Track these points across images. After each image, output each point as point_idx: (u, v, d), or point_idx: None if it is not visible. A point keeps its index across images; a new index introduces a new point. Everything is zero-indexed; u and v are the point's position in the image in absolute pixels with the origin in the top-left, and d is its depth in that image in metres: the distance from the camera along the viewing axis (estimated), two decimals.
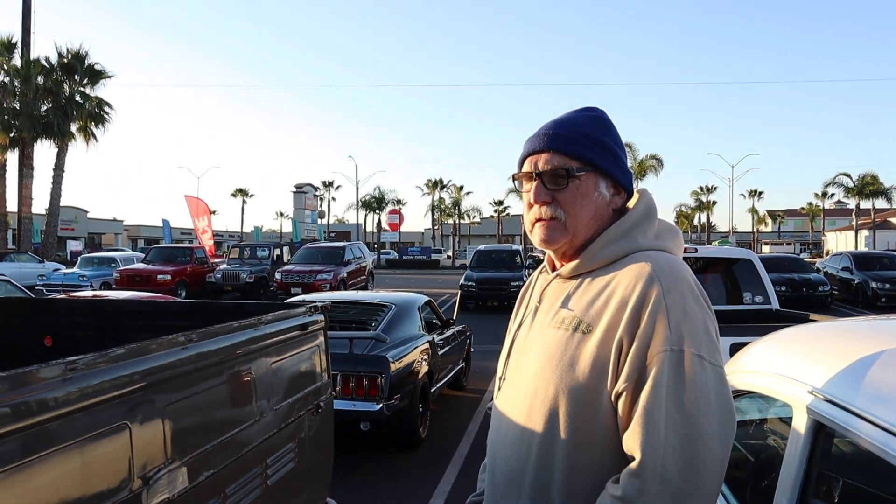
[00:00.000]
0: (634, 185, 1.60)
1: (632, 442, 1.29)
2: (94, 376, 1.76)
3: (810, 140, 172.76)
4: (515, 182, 1.59)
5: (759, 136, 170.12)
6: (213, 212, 34.34)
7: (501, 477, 1.51)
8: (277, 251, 24.60)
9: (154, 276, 20.72)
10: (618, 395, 1.34)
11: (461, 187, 66.50)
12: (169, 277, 20.95)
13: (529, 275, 16.65)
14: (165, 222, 40.97)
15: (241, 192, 76.36)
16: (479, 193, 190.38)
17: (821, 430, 1.61)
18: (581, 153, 1.49)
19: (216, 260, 26.08)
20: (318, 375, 3.34)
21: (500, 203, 66.22)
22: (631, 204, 1.57)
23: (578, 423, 1.37)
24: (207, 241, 30.60)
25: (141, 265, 22.44)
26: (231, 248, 26.65)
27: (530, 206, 1.53)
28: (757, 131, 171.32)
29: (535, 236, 1.53)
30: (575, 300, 1.47)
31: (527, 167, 1.54)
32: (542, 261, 1.71)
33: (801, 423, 1.67)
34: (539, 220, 1.51)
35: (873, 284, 18.97)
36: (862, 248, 51.87)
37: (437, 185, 65.98)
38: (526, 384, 1.48)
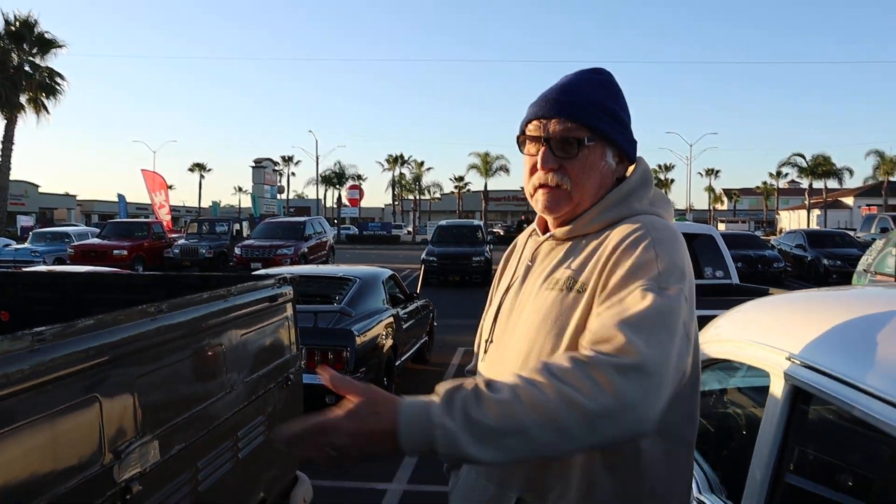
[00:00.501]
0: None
1: (608, 330, 1.22)
2: (62, 347, 1.70)
3: (767, 121, 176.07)
4: (519, 143, 1.55)
5: (718, 116, 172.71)
6: (170, 186, 33.54)
7: None
8: (237, 226, 24.23)
9: (110, 252, 20.27)
10: (594, 311, 1.31)
11: (422, 163, 66.36)
12: (125, 253, 20.52)
13: (491, 250, 16.73)
14: (121, 197, 39.99)
15: (199, 167, 75.02)
16: (440, 169, 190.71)
17: (799, 395, 1.63)
18: (592, 122, 1.45)
19: (174, 235, 25.62)
20: (287, 348, 3.30)
21: (461, 179, 66.17)
22: (629, 171, 1.56)
23: None
24: (165, 216, 29.96)
25: (96, 240, 21.94)
26: (189, 223, 26.13)
27: (533, 170, 1.49)
28: (715, 111, 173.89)
29: (538, 202, 1.50)
30: (568, 261, 1.46)
31: (534, 130, 1.49)
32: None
33: (778, 389, 1.69)
34: (543, 186, 1.48)
35: (825, 261, 19.47)
36: (814, 226, 53.15)
37: (397, 160, 65.62)
38: (518, 344, 1.46)
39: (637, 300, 1.26)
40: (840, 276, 18.36)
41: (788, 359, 1.68)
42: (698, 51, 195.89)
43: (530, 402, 1.14)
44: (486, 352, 1.60)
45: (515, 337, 1.48)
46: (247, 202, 73.88)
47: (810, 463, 1.82)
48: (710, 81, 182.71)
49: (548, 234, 1.55)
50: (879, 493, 1.58)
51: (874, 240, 17.54)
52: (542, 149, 1.46)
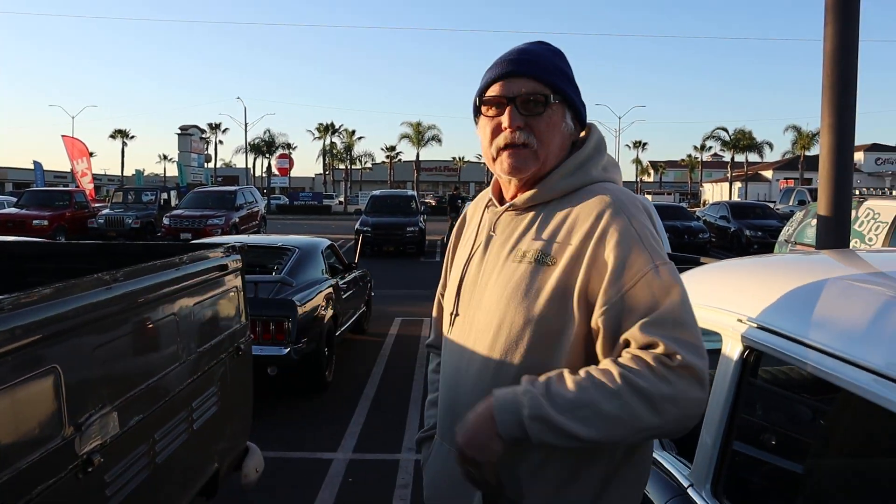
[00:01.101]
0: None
1: (649, 338, 1.29)
2: (20, 317, 1.65)
3: (693, 95, 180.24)
4: (476, 107, 1.55)
5: (646, 89, 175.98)
6: (91, 154, 32.13)
7: (464, 408, 1.49)
8: (164, 195, 23.45)
9: (29, 222, 19.39)
10: (604, 317, 1.36)
11: (353, 132, 65.50)
12: (46, 223, 19.67)
13: (425, 221, 16.65)
14: (37, 164, 38.22)
15: (121, 134, 72.09)
16: (372, 139, 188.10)
17: (751, 355, 1.73)
18: (554, 81, 1.48)
19: (97, 205, 24.64)
20: (237, 317, 3.26)
21: (393, 149, 65.83)
22: (582, 136, 1.59)
23: (546, 351, 1.41)
24: (87, 185, 28.74)
25: (13, 210, 20.91)
26: (114, 193, 25.13)
27: (495, 132, 1.50)
28: (644, 85, 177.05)
29: (504, 163, 1.49)
30: (535, 233, 1.48)
31: (497, 91, 1.49)
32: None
33: (731, 350, 1.79)
34: (510, 146, 1.48)
35: (747, 232, 20.27)
36: (735, 198, 55.08)
37: (328, 129, 64.60)
38: (487, 317, 1.48)
39: (652, 303, 1.32)
40: (761, 246, 19.14)
41: (740, 320, 1.78)
42: (627, 23, 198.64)
43: (600, 384, 1.28)
44: (452, 325, 1.61)
45: (483, 310, 1.50)
46: (172, 171, 71.62)
47: (760, 416, 1.93)
48: (639, 54, 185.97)
49: (507, 205, 1.55)
50: (825, 444, 1.69)
51: (792, 212, 18.34)
52: (509, 108, 1.47)
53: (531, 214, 1.51)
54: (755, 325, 1.71)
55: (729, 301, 1.91)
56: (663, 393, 1.25)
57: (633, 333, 1.32)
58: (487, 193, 1.72)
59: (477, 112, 1.56)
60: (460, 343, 1.56)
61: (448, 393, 1.60)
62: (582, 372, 1.31)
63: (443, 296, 1.82)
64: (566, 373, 1.32)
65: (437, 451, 1.65)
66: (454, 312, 1.61)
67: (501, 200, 1.61)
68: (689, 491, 1.83)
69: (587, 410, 1.27)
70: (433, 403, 1.78)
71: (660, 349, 1.28)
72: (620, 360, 1.31)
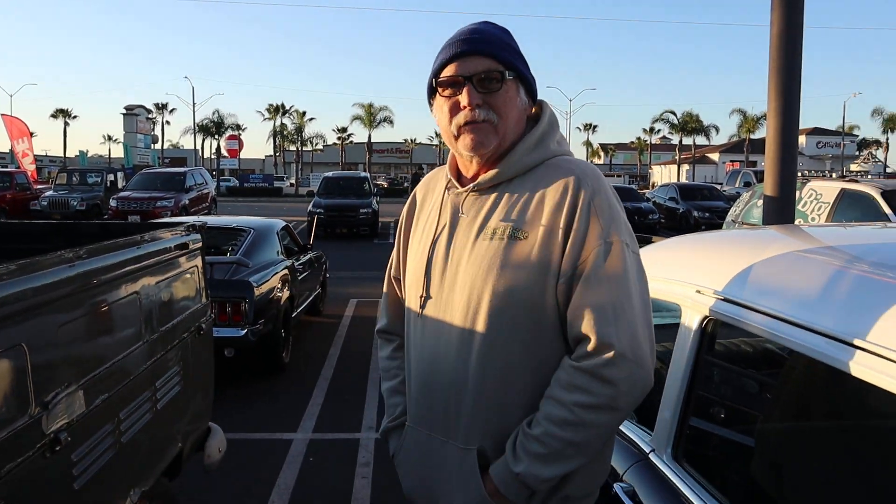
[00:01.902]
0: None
1: (585, 327, 1.40)
2: None
3: (642, 78, 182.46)
4: (432, 88, 1.57)
5: (597, 71, 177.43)
6: (32, 134, 31.03)
7: (445, 390, 1.53)
8: (111, 177, 22.83)
9: None
10: (561, 287, 1.43)
11: (304, 113, 64.64)
12: None
13: (378, 203, 16.58)
14: None
15: (63, 113, 69.82)
16: (323, 120, 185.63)
17: (709, 324, 1.80)
18: (508, 58, 1.52)
19: (40, 186, 23.88)
20: (198, 297, 3.24)
21: (344, 130, 65.12)
22: (533, 111, 1.64)
23: (527, 325, 1.45)
24: (29, 166, 27.78)
25: None
26: (57, 174, 24.35)
27: (454, 110, 1.52)
28: (595, 67, 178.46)
29: (465, 141, 1.52)
30: (504, 210, 1.51)
31: (452, 71, 1.51)
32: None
33: (690, 319, 1.86)
34: (470, 123, 1.51)
35: (695, 213, 20.78)
36: (683, 180, 56.17)
37: (278, 110, 63.63)
38: (464, 297, 1.50)
39: (594, 281, 1.41)
40: (709, 227, 19.60)
41: (698, 291, 1.85)
42: (576, 6, 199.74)
43: (561, 422, 1.40)
44: (423, 307, 1.60)
45: (458, 290, 1.51)
46: (118, 152, 69.77)
47: (717, 383, 2.01)
48: (590, 37, 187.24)
49: (472, 185, 1.56)
50: (779, 405, 1.78)
51: (739, 193, 18.81)
52: (466, 87, 1.49)
53: (496, 193, 1.55)
54: (713, 296, 1.78)
55: (687, 274, 1.98)
56: (612, 396, 1.38)
57: (573, 317, 1.43)
58: (438, 174, 1.74)
59: (432, 94, 1.58)
60: (436, 325, 1.56)
61: (423, 377, 1.60)
62: (542, 418, 1.42)
63: (397, 280, 1.82)
64: (530, 430, 1.43)
65: (412, 438, 1.65)
66: (424, 295, 1.59)
67: (461, 180, 1.63)
68: (651, 456, 1.90)
69: (569, 450, 1.41)
70: (397, 391, 1.77)
71: (591, 344, 1.39)
72: (564, 378, 1.42)
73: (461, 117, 1.51)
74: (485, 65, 1.50)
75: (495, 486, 1.45)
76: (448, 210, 1.61)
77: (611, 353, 1.37)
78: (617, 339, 1.37)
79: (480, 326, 1.47)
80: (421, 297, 1.60)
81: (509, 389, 1.47)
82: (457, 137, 1.54)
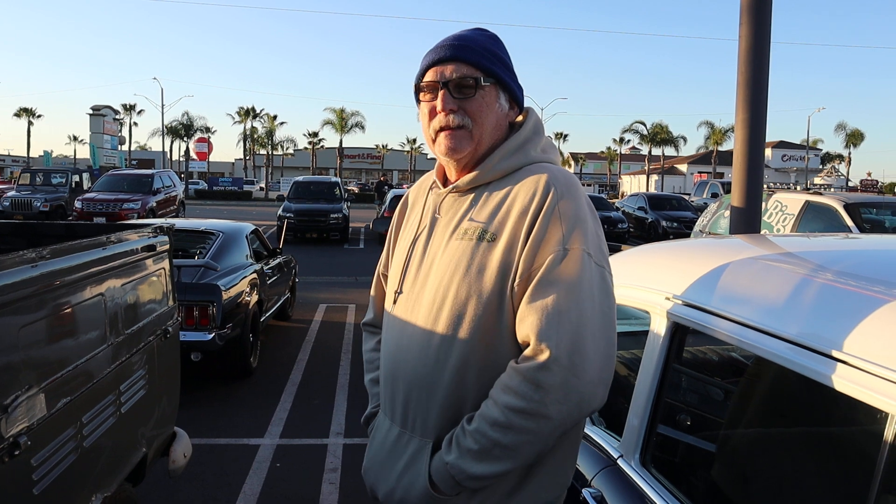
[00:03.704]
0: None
1: (528, 329, 1.39)
2: None
3: (613, 89, 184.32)
4: (416, 92, 1.60)
5: (568, 81, 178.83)
6: None
7: (407, 383, 1.55)
8: (76, 178, 22.40)
9: None
10: (516, 291, 1.44)
11: (275, 117, 64.15)
12: None
13: (349, 208, 16.50)
14: None
15: (27, 112, 68.39)
16: (294, 124, 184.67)
17: (678, 330, 1.82)
18: (486, 65, 1.54)
19: (2, 186, 23.38)
20: (165, 300, 3.19)
21: (315, 135, 64.82)
22: (519, 119, 1.65)
23: (487, 325, 1.45)
24: None
25: None
26: (20, 174, 23.83)
27: (432, 114, 1.55)
28: (566, 77, 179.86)
29: (441, 145, 1.55)
30: (477, 212, 1.53)
31: (431, 77, 1.55)
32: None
33: (659, 326, 1.88)
34: (445, 128, 1.54)
35: (664, 223, 21.02)
36: (652, 190, 56.79)
37: (249, 113, 63.08)
38: (431, 293, 1.52)
39: (543, 285, 1.40)
40: (677, 236, 19.87)
41: (668, 298, 1.87)
42: (549, 17, 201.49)
43: (492, 422, 1.39)
44: (395, 302, 1.64)
45: (428, 287, 1.54)
46: (83, 153, 68.59)
47: (685, 389, 2.03)
48: (562, 46, 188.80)
49: (451, 187, 1.60)
50: (745, 410, 1.80)
51: (706, 204, 19.05)
52: (442, 92, 1.53)
53: (473, 195, 1.57)
54: (682, 303, 1.80)
55: (657, 281, 2.00)
56: (543, 401, 1.36)
57: (519, 319, 1.42)
58: (430, 177, 1.77)
59: (417, 97, 1.62)
60: (403, 319, 1.59)
61: (389, 368, 1.63)
62: (478, 415, 1.42)
63: (385, 276, 1.85)
64: (468, 425, 1.43)
65: (379, 424, 1.69)
66: (398, 290, 1.63)
67: (445, 183, 1.66)
68: (619, 462, 1.91)
69: (496, 450, 1.39)
70: (376, 381, 1.80)
71: (531, 347, 1.38)
72: (503, 380, 1.41)
73: (437, 122, 1.55)
74: (461, 71, 1.52)
75: (430, 473, 1.47)
76: (430, 211, 1.65)
77: (545, 357, 1.35)
78: (555, 344, 1.35)
79: (442, 323, 1.48)
80: (395, 291, 1.64)
81: (466, 387, 1.48)
82: (434, 141, 1.58)
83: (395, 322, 1.62)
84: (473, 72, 1.52)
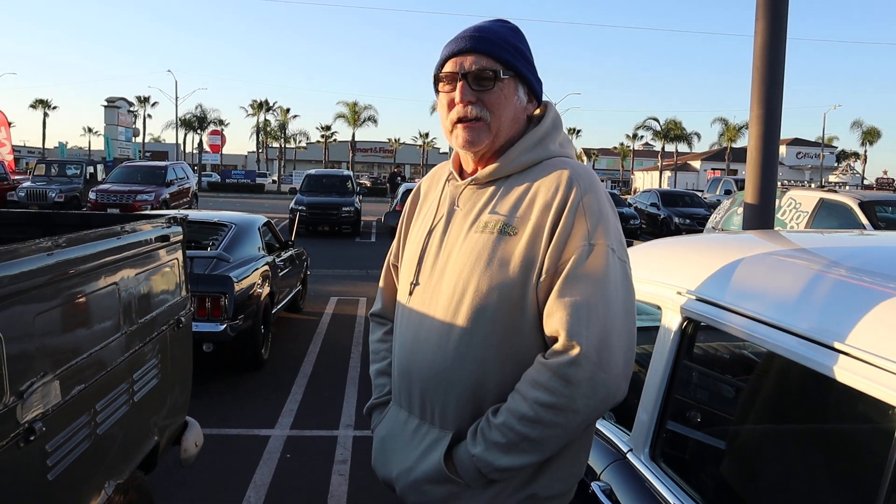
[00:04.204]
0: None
1: (557, 324, 1.40)
2: None
3: (626, 85, 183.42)
4: (435, 83, 1.60)
5: (581, 76, 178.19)
6: (10, 124, 30.59)
7: (423, 376, 1.54)
8: (90, 169, 22.50)
9: None
10: (542, 285, 1.44)
11: (288, 110, 64.23)
12: None
13: (361, 201, 16.50)
14: None
15: (43, 104, 68.82)
16: (307, 117, 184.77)
17: (690, 325, 1.82)
18: (505, 57, 1.53)
19: (18, 177, 23.54)
20: (178, 290, 3.21)
21: (328, 128, 64.88)
22: (537, 112, 1.66)
23: (508, 318, 1.46)
24: (7, 156, 27.36)
25: None
26: (35, 165, 23.96)
27: (451, 106, 1.55)
28: (580, 72, 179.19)
29: (458, 137, 1.55)
30: (496, 205, 1.53)
31: (450, 68, 1.55)
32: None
33: (670, 321, 1.88)
34: (462, 120, 1.53)
35: (676, 219, 20.93)
36: (665, 186, 56.49)
37: (262, 106, 63.24)
38: (450, 286, 1.52)
39: (571, 281, 1.41)
40: (689, 233, 19.68)
41: (680, 293, 1.87)
42: (564, 10, 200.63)
43: (520, 416, 1.40)
44: (410, 294, 1.63)
45: (445, 279, 1.54)
46: (97, 145, 68.99)
47: (696, 383, 2.03)
48: (575, 42, 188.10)
49: (470, 179, 1.60)
50: (761, 409, 1.80)
51: (719, 201, 18.96)
52: (461, 83, 1.52)
53: (492, 188, 1.57)
54: (694, 297, 1.80)
55: (669, 275, 2.00)
56: (571, 396, 1.38)
57: (547, 314, 1.43)
58: (444, 167, 1.77)
59: (436, 88, 1.61)
60: (420, 311, 1.58)
61: (404, 360, 1.62)
62: (505, 409, 1.43)
63: (395, 267, 1.85)
64: (494, 418, 1.44)
65: (391, 415, 1.68)
66: (414, 282, 1.63)
67: (462, 174, 1.66)
68: (629, 456, 1.91)
69: (524, 444, 1.41)
70: (384, 372, 1.80)
71: (560, 342, 1.39)
72: (531, 374, 1.42)
73: (455, 113, 1.55)
74: (481, 63, 1.52)
75: (454, 462, 1.48)
76: (446, 202, 1.65)
77: (576, 352, 1.37)
78: (585, 338, 1.37)
79: (462, 317, 1.48)
80: (411, 283, 1.63)
81: (486, 380, 1.49)
82: (451, 132, 1.58)
83: (411, 314, 1.61)
84: (493, 64, 1.52)
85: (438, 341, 1.52)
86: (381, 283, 1.92)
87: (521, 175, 1.55)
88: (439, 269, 1.57)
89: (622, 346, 1.41)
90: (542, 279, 1.44)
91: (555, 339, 1.42)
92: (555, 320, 1.41)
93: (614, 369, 1.39)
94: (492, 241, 1.48)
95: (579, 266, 1.41)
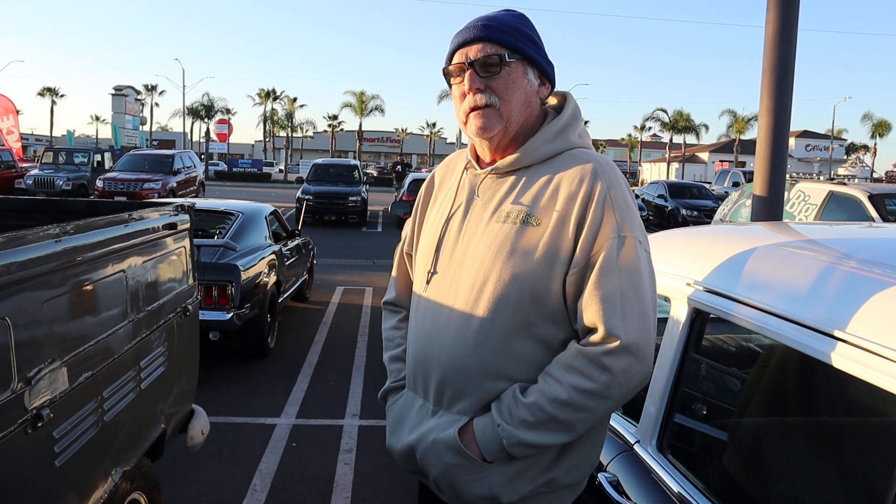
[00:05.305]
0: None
1: (594, 316, 1.41)
2: None
3: (635, 76, 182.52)
4: (446, 76, 1.60)
5: (589, 67, 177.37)
6: (18, 112, 30.64)
7: (442, 365, 1.54)
8: (98, 157, 22.54)
9: None
10: (571, 277, 1.45)
11: (295, 99, 64.13)
12: None
13: (368, 191, 16.50)
14: None
15: (50, 92, 68.84)
16: (314, 107, 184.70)
17: (698, 317, 1.81)
18: (510, 41, 1.53)
19: (25, 165, 23.60)
20: (185, 278, 3.22)
21: (335, 118, 64.72)
22: (553, 100, 1.66)
23: (530, 308, 1.46)
24: (14, 144, 27.44)
25: None
26: (43, 153, 24.02)
27: (463, 96, 1.55)
28: (588, 63, 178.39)
29: (472, 126, 1.55)
30: (518, 195, 1.53)
31: (458, 59, 1.55)
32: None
33: (679, 312, 1.87)
34: (474, 108, 1.54)
35: (684, 211, 20.82)
36: (673, 178, 56.26)
37: (269, 95, 63.13)
38: (471, 275, 1.51)
39: (606, 273, 1.42)
40: (697, 225, 19.65)
41: (689, 284, 1.86)
42: (574, 3, 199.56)
43: (553, 399, 1.42)
44: (428, 283, 1.62)
45: (465, 268, 1.54)
46: (105, 133, 69.10)
47: (704, 376, 2.02)
48: (584, 33, 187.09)
49: (490, 168, 1.60)
50: (771, 401, 1.79)
51: (727, 193, 18.86)
52: (468, 72, 1.53)
53: (513, 177, 1.57)
54: (702, 289, 1.79)
55: (678, 267, 1.98)
56: (606, 384, 1.40)
57: (584, 306, 1.43)
58: (458, 156, 1.77)
59: (448, 82, 1.62)
60: (438, 300, 1.58)
61: (420, 348, 1.62)
62: (536, 390, 1.45)
63: (409, 255, 1.84)
64: (523, 397, 1.45)
65: (406, 399, 1.68)
66: (432, 270, 1.62)
67: (480, 163, 1.65)
68: (636, 447, 1.91)
69: (552, 424, 1.43)
70: (398, 358, 1.79)
71: (599, 334, 1.41)
72: (566, 359, 1.44)
73: (466, 103, 1.56)
74: (486, 50, 1.52)
75: (473, 433, 1.48)
76: (465, 190, 1.64)
77: (615, 344, 1.39)
78: (624, 331, 1.39)
79: (483, 306, 1.48)
80: (428, 271, 1.63)
81: (504, 369, 1.49)
82: (465, 123, 1.58)
83: (429, 303, 1.61)
84: (498, 49, 1.52)
85: (458, 330, 1.52)
86: (393, 272, 1.91)
87: (542, 165, 1.55)
88: (458, 257, 1.57)
89: (652, 335, 1.44)
90: (571, 272, 1.45)
91: (589, 330, 1.44)
92: (592, 312, 1.42)
93: (647, 360, 1.43)
94: (514, 231, 1.48)
95: (612, 258, 1.43)
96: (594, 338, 1.42)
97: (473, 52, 1.52)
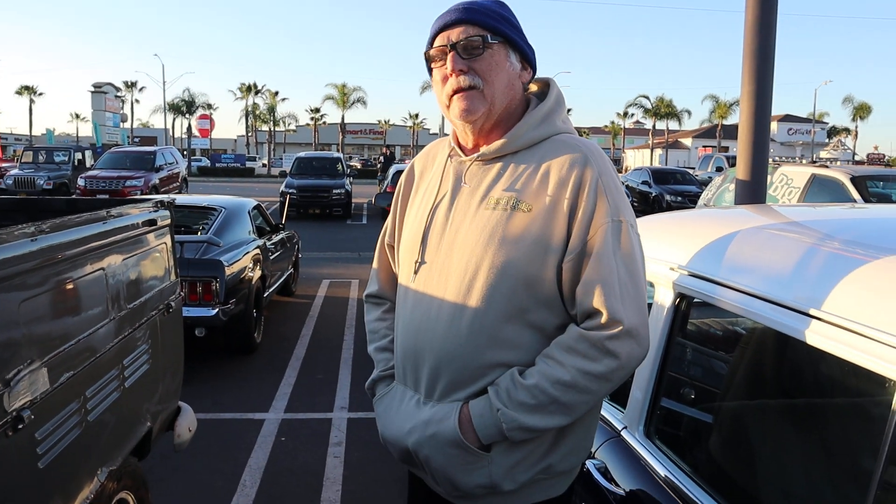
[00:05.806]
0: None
1: (595, 301, 1.42)
2: None
3: (616, 63, 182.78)
4: (427, 61, 1.58)
5: (571, 54, 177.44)
6: None
7: (435, 355, 1.52)
8: (79, 155, 22.33)
9: None
10: (568, 264, 1.45)
11: (276, 93, 63.78)
12: None
13: (351, 183, 16.41)
14: None
15: (28, 90, 68.00)
16: (296, 100, 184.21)
17: (683, 301, 1.80)
18: (492, 24, 1.52)
19: (5, 164, 23.34)
20: (167, 274, 3.18)
21: (317, 111, 64.45)
22: (534, 87, 1.65)
23: (524, 294, 1.45)
24: None
25: None
26: (23, 152, 23.75)
27: (444, 80, 1.54)
28: (570, 50, 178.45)
29: (455, 108, 1.53)
30: (506, 181, 1.52)
31: (440, 42, 1.53)
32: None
33: (664, 297, 1.86)
34: (458, 90, 1.52)
35: (668, 197, 20.91)
36: (656, 164, 56.44)
37: (251, 89, 62.70)
38: (461, 264, 1.50)
39: (604, 258, 1.43)
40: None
41: (673, 269, 1.85)
42: None
43: (555, 381, 1.42)
44: (416, 273, 1.60)
45: (455, 256, 1.52)
46: (85, 131, 68.35)
47: (689, 360, 2.02)
48: (565, 19, 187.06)
49: (476, 154, 1.57)
50: (747, 378, 1.79)
51: (711, 178, 18.94)
52: (451, 54, 1.51)
53: (500, 164, 1.55)
54: (686, 273, 1.78)
55: (662, 251, 1.98)
56: (611, 367, 1.41)
57: (583, 291, 1.43)
58: (438, 145, 1.75)
59: (429, 67, 1.60)
60: (428, 290, 1.56)
61: (411, 339, 1.59)
62: (537, 372, 1.44)
63: (391, 247, 1.82)
64: (523, 380, 1.44)
65: (396, 391, 1.66)
66: (419, 261, 1.60)
67: (463, 150, 1.63)
68: (623, 433, 1.91)
69: (552, 406, 1.43)
70: (385, 349, 1.76)
71: (602, 318, 1.41)
72: (567, 342, 1.43)
73: (448, 86, 1.54)
74: (468, 32, 1.51)
75: (469, 416, 1.47)
76: (450, 178, 1.62)
77: (619, 328, 1.40)
78: (625, 315, 1.40)
79: (475, 295, 1.47)
80: (416, 262, 1.61)
81: (499, 357, 1.48)
82: (448, 107, 1.56)
83: (418, 293, 1.59)
84: (480, 31, 1.51)
85: (450, 319, 1.50)
86: (374, 264, 1.89)
87: (529, 151, 1.54)
88: (446, 246, 1.55)
89: (647, 318, 1.46)
90: (567, 257, 1.45)
91: (590, 315, 1.43)
92: (592, 297, 1.42)
93: (646, 343, 1.45)
94: (505, 218, 1.47)
95: (608, 243, 1.43)
96: (596, 322, 1.42)
97: (455, 34, 1.51)
